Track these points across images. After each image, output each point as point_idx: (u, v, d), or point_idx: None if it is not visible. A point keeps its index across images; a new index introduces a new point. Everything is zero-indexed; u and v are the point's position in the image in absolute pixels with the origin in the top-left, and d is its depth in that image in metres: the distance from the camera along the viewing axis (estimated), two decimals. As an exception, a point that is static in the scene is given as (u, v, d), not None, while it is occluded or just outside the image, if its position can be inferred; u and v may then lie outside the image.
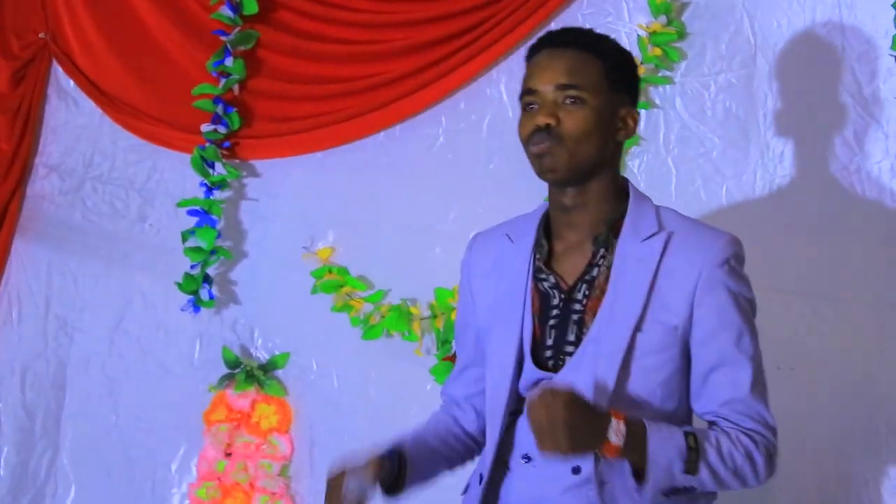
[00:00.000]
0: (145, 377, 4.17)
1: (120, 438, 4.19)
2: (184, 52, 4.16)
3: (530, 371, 2.51)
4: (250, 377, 3.97)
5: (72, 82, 4.33)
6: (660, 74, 3.56)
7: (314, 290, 3.88)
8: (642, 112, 3.57)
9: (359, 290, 3.86)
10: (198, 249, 4.01)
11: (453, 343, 2.84)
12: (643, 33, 3.56)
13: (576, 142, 2.44)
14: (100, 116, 4.30)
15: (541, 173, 2.50)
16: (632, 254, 2.47)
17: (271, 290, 4.04)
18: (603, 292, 2.47)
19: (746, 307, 2.47)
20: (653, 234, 2.48)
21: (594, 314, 2.47)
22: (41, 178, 4.36)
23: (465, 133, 3.83)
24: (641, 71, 3.54)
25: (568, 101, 2.46)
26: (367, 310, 3.83)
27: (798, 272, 3.37)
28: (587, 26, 3.55)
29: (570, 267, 2.53)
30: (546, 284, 2.53)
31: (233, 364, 4.01)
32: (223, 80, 4.04)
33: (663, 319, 2.43)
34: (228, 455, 3.97)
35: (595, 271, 2.49)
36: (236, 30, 4.03)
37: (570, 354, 2.47)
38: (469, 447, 2.75)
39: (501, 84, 3.80)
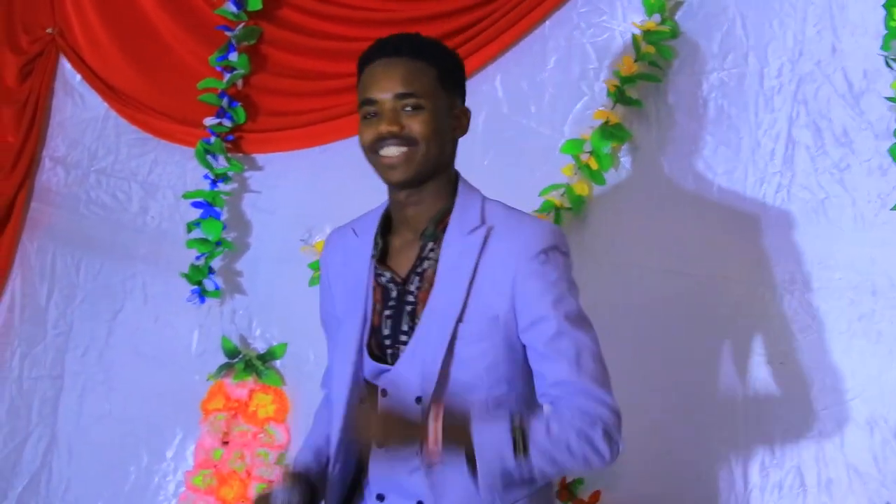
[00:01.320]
0: (143, 367, 4.18)
1: (115, 427, 4.20)
2: (188, 47, 4.19)
3: (368, 362, 2.62)
4: (249, 367, 3.99)
5: (78, 76, 4.36)
6: (653, 72, 3.56)
7: (312, 282, 3.89)
8: (635, 110, 3.59)
9: (354, 283, 3.86)
10: (203, 241, 4.03)
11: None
12: (637, 31, 3.56)
13: (426, 143, 2.55)
14: (105, 110, 4.32)
15: (391, 179, 2.60)
16: (456, 247, 2.56)
17: (270, 282, 4.06)
18: (432, 284, 2.57)
19: (568, 296, 2.52)
20: (475, 228, 2.57)
21: (425, 305, 2.57)
22: (47, 171, 4.39)
23: (461, 129, 3.83)
24: (635, 68, 3.56)
25: (408, 108, 2.56)
26: (362, 301, 3.84)
27: (788, 268, 3.38)
28: (582, 25, 3.68)
29: (404, 261, 2.63)
30: (383, 279, 2.63)
31: (232, 354, 4.03)
32: (227, 75, 4.06)
33: (483, 310, 2.51)
34: (225, 443, 3.98)
35: (425, 264, 2.59)
36: (240, 25, 4.06)
37: (404, 343, 2.57)
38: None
39: (497, 81, 3.81)
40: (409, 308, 2.59)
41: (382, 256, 2.65)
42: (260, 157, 4.11)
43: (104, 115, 4.32)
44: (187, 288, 4.06)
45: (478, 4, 3.80)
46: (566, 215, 3.60)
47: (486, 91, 3.81)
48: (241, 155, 4.10)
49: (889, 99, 3.30)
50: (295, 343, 3.99)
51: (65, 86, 4.38)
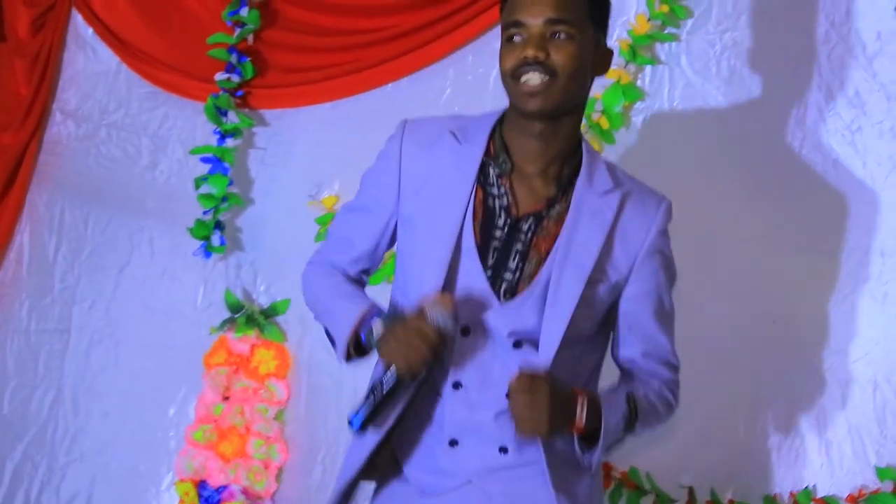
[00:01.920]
0: (149, 321, 4.14)
1: (121, 381, 4.16)
2: (200, 1, 4.15)
3: (476, 279, 2.43)
4: (251, 321, 3.95)
5: (90, 30, 4.30)
6: (666, 31, 3.52)
7: (318, 238, 3.86)
8: (648, 68, 3.54)
9: (361, 237, 3.83)
10: (210, 196, 3.99)
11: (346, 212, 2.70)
12: (653, -10, 3.53)
13: (568, 77, 2.38)
14: (117, 64, 4.28)
15: (527, 107, 2.42)
16: (588, 206, 2.44)
17: (276, 238, 4.01)
18: (551, 235, 2.44)
19: (672, 269, 2.55)
20: (610, 190, 2.46)
21: (539, 254, 2.43)
22: (58, 124, 4.34)
23: (471, 86, 3.79)
24: (648, 27, 3.52)
25: (559, 35, 2.39)
26: (368, 257, 3.80)
27: (797, 228, 3.33)
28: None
29: (523, 196, 2.46)
30: (498, 202, 2.46)
31: (235, 308, 3.99)
32: (238, 30, 4.02)
33: (609, 275, 2.45)
34: (226, 399, 3.94)
35: (548, 211, 2.45)
36: (252, -20, 4.02)
37: (506, 282, 2.42)
38: None
39: (509, 38, 3.76)
40: (519, 247, 2.44)
41: (509, 176, 2.47)
42: (268, 113, 4.06)
43: (115, 69, 4.28)
44: (193, 242, 4.02)
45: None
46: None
47: (497, 48, 3.71)
48: (249, 110, 4.06)
49: (903, 61, 3.26)
50: (298, 299, 3.90)
51: (77, 39, 4.34)
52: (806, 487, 3.29)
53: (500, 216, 2.45)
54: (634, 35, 3.53)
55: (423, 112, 3.75)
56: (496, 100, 3.67)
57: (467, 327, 2.43)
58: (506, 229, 2.44)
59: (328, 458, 3.87)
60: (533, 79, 2.38)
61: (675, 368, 2.57)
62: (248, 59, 4.03)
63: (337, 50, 3.96)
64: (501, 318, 2.42)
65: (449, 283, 2.43)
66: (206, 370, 3.97)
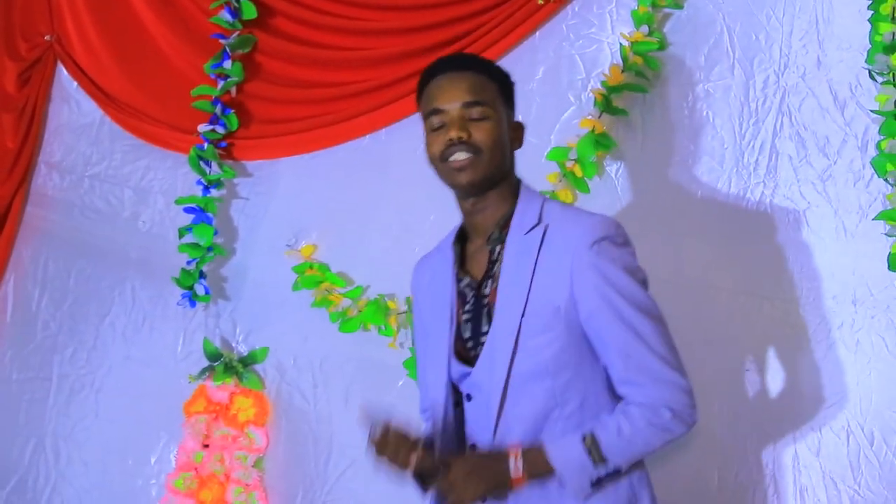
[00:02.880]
0: (129, 369, 4.13)
1: (102, 429, 4.14)
2: (183, 55, 4.16)
3: (454, 365, 2.65)
4: (229, 369, 3.92)
5: (75, 83, 4.32)
6: (639, 82, 3.51)
7: (295, 287, 3.83)
8: (622, 120, 3.53)
9: (338, 287, 3.81)
10: (194, 246, 3.98)
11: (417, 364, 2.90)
12: (626, 42, 3.51)
13: (490, 152, 2.59)
14: (100, 117, 4.28)
15: (458, 184, 2.62)
16: (517, 245, 2.60)
17: (256, 287, 4.00)
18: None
19: (624, 283, 2.53)
20: (533, 227, 2.60)
21: (492, 307, 2.61)
22: (43, 176, 4.35)
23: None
24: (622, 79, 3.51)
25: (474, 116, 2.59)
26: (345, 305, 3.78)
27: (770, 277, 3.31)
28: (571, 36, 3.65)
29: (478, 266, 2.67)
30: (462, 284, 2.68)
31: (213, 356, 3.96)
32: (221, 83, 4.02)
33: (545, 302, 2.54)
34: (206, 446, 3.90)
35: (495, 267, 2.63)
36: (235, 34, 4.02)
37: (482, 344, 2.62)
38: None
39: (486, 90, 3.75)
40: (485, 310, 2.62)
41: (461, 264, 2.70)
42: (249, 164, 4.06)
43: (99, 122, 4.28)
44: (175, 292, 4.01)
45: (470, 16, 3.76)
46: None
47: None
48: (233, 161, 4.05)
49: (873, 111, 3.25)
50: (277, 347, 3.93)
51: (62, 92, 4.35)
52: (781, 534, 3.27)
53: (467, 294, 2.67)
54: (608, 85, 3.52)
55: (400, 163, 3.81)
56: (473, 149, 3.71)
57: (469, 394, 2.64)
58: (472, 301, 2.65)
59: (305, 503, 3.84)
60: (459, 156, 2.58)
61: (667, 383, 2.51)
62: (232, 110, 4.03)
63: (318, 102, 3.97)
64: (481, 380, 2.60)
65: (449, 380, 2.68)
66: (187, 418, 3.93)
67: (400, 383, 3.71)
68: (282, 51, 4.04)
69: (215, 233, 3.98)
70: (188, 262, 3.98)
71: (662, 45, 3.51)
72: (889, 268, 3.18)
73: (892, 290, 3.19)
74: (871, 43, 3.26)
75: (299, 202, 3.96)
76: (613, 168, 3.54)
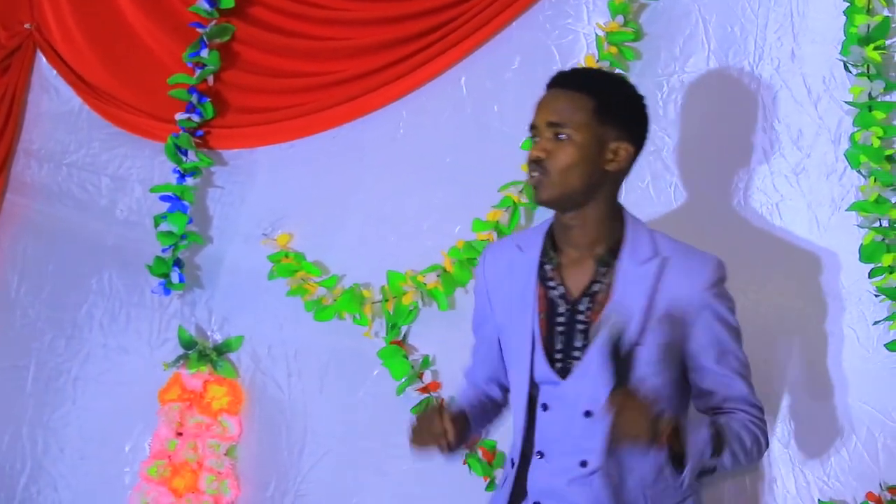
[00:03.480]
0: (106, 357, 4.09)
1: (79, 416, 4.10)
2: (161, 43, 4.11)
3: (542, 366, 2.70)
4: (203, 357, 3.89)
5: (54, 71, 4.28)
6: (615, 73, 3.48)
7: (271, 276, 3.81)
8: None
9: (313, 276, 3.79)
10: (169, 234, 3.94)
11: (473, 338, 2.98)
12: (601, 32, 3.49)
13: (561, 174, 2.64)
14: (79, 105, 4.24)
15: (533, 198, 2.72)
16: (631, 275, 2.66)
17: (231, 275, 3.97)
18: (603, 307, 2.66)
19: (729, 322, 2.71)
20: (650, 259, 2.67)
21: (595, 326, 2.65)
22: (21, 164, 4.31)
23: (425, 127, 3.76)
24: (596, 68, 3.48)
25: (558, 136, 2.66)
26: (320, 293, 3.76)
27: (742, 270, 3.29)
28: (547, 27, 3.62)
29: (573, 280, 2.71)
30: (554, 293, 2.72)
31: (187, 344, 3.93)
32: (198, 71, 3.99)
33: (658, 336, 2.63)
34: (180, 434, 3.87)
35: (597, 287, 2.68)
36: (213, 22, 3.98)
37: (577, 359, 2.67)
38: (498, 411, 3.02)
39: (462, 81, 3.72)
40: (580, 327, 2.68)
41: (557, 269, 2.73)
42: (226, 153, 4.03)
43: (78, 110, 4.24)
44: (152, 280, 3.97)
45: (447, 6, 3.72)
46: (523, 211, 3.55)
47: (450, 91, 3.73)
48: (208, 150, 4.02)
49: (847, 103, 3.24)
50: (252, 336, 3.90)
51: (41, 80, 4.30)
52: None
53: (559, 304, 2.71)
54: (584, 76, 3.49)
55: (377, 152, 3.79)
56: (448, 140, 3.70)
57: (545, 404, 2.70)
58: (566, 314, 2.70)
59: (277, 493, 3.82)
60: (533, 175, 2.68)
61: (758, 408, 2.71)
62: (209, 99, 4.00)
63: (295, 91, 3.93)
64: (568, 392, 2.67)
65: (532, 383, 2.73)
66: (161, 406, 3.90)
67: (375, 373, 3.70)
68: (259, 40, 4.00)
69: (189, 221, 3.94)
70: (163, 250, 3.95)
71: (638, 36, 3.50)
72: (860, 259, 3.18)
73: (863, 282, 3.18)
74: (846, 34, 3.25)
75: (275, 191, 3.92)
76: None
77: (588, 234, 2.70)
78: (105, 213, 4.15)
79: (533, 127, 2.72)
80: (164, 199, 3.97)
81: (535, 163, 2.66)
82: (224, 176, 4.02)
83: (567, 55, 3.60)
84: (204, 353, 3.90)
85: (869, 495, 3.12)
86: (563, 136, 2.65)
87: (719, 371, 2.68)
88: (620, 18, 3.49)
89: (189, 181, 3.99)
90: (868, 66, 3.22)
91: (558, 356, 2.70)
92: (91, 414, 4.09)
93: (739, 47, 3.40)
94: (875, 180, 3.18)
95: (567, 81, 2.74)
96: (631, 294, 2.64)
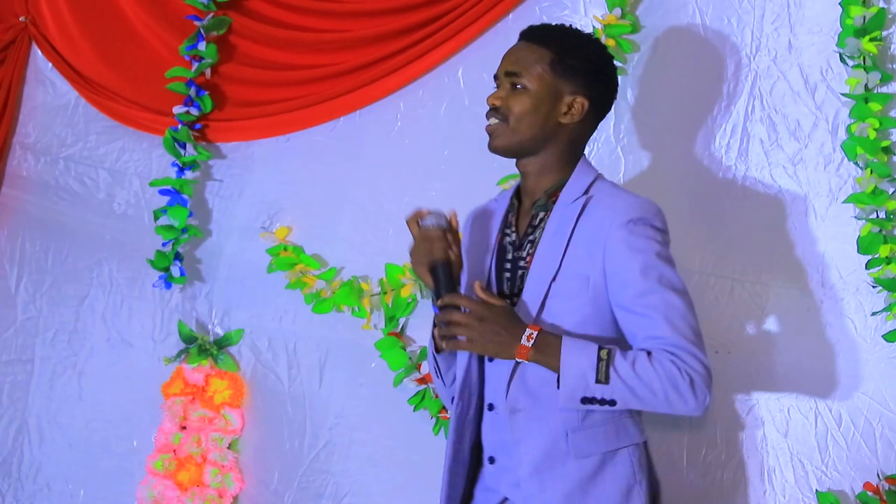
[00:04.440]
0: (110, 351, 4.10)
1: (84, 410, 4.12)
2: (158, 36, 4.11)
3: None
4: (203, 351, 3.90)
5: (50, 64, 4.27)
6: (584, 31, 3.47)
7: (270, 269, 3.81)
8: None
9: (312, 268, 3.80)
10: (169, 227, 3.95)
11: None
12: (598, 25, 3.49)
13: (514, 122, 2.74)
14: (75, 98, 4.24)
15: (489, 146, 2.78)
16: (560, 216, 2.71)
17: (231, 269, 3.97)
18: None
19: (652, 261, 2.60)
20: (577, 198, 2.71)
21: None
22: (17, 157, 4.30)
23: (422, 119, 3.76)
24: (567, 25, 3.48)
25: (515, 86, 2.75)
26: (319, 286, 3.77)
27: (740, 260, 3.30)
28: (544, 19, 3.60)
29: (522, 227, 2.80)
30: (508, 239, 2.80)
31: (188, 338, 3.94)
32: (196, 64, 3.98)
33: (575, 271, 2.64)
34: (184, 428, 3.88)
35: (536, 232, 2.74)
36: (210, 15, 3.97)
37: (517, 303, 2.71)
38: None
39: (459, 73, 3.73)
40: (520, 272, 2.73)
41: (517, 216, 2.82)
42: (224, 146, 4.03)
43: (74, 103, 4.24)
44: (152, 273, 3.98)
45: (443, -1, 3.73)
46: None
47: (447, 83, 3.73)
48: (206, 143, 4.01)
49: (844, 95, 3.24)
50: (252, 329, 3.91)
51: (37, 74, 4.30)
52: (750, 514, 3.28)
53: (508, 252, 2.79)
54: (581, 69, 3.50)
55: (375, 144, 3.79)
56: (445, 134, 3.70)
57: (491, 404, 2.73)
58: (511, 258, 2.77)
59: (281, 486, 3.83)
60: (490, 122, 2.78)
61: (688, 353, 2.54)
62: (207, 92, 4.00)
63: (292, 84, 3.93)
64: None
65: None
66: (165, 400, 3.91)
67: (373, 364, 3.71)
68: (256, 33, 3.99)
69: (190, 214, 3.95)
70: (163, 244, 3.96)
71: (635, 28, 3.50)
72: (858, 251, 3.18)
73: (860, 273, 3.19)
74: (842, 26, 3.25)
75: (274, 184, 3.93)
76: (588, 151, 3.51)
77: (541, 182, 2.77)
78: (103, 207, 4.16)
79: (495, 77, 2.81)
80: (163, 192, 3.97)
81: (491, 110, 2.75)
82: (222, 169, 4.03)
83: (564, 47, 3.59)
84: (204, 347, 3.90)
85: (867, 485, 3.13)
86: (519, 86, 2.74)
87: (636, 310, 2.58)
88: (618, 11, 3.49)
89: (188, 174, 3.99)
90: (864, 58, 3.23)
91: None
92: (98, 408, 4.11)
93: (737, 38, 3.40)
94: (871, 172, 3.18)
95: (531, 35, 2.82)
96: (556, 232, 2.68)
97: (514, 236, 2.79)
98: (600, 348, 2.54)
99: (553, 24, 2.86)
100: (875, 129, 3.19)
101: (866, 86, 3.22)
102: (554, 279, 2.64)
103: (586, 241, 2.64)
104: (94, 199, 4.17)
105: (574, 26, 2.87)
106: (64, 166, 4.22)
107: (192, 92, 3.98)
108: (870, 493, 3.12)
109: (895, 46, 3.26)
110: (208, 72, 4.01)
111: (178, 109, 3.97)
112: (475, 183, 3.57)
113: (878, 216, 3.18)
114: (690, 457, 3.29)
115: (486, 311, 2.60)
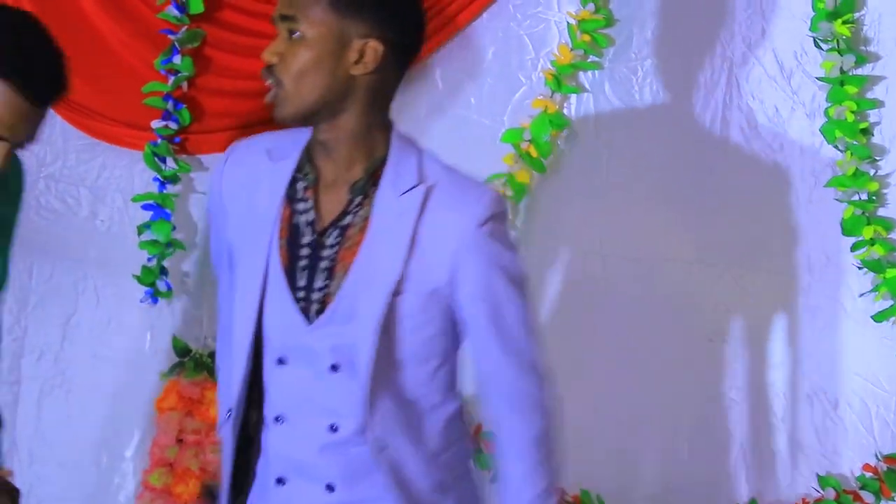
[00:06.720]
0: (99, 369, 4.07)
1: (75, 429, 4.09)
2: (132, 51, 4.07)
3: (280, 304, 2.26)
4: (199, 365, 3.90)
5: (24, 83, 4.25)
6: (589, 60, 3.51)
7: (259, 279, 3.81)
8: (573, 96, 3.53)
9: (300, 276, 3.80)
10: (154, 242, 3.94)
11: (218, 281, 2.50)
12: (573, 21, 3.52)
13: (294, 83, 2.21)
14: (52, 116, 4.19)
15: (273, 119, 2.30)
16: (390, 208, 2.22)
17: (217, 280, 3.96)
18: (357, 244, 2.24)
19: (510, 272, 2.26)
20: (413, 188, 2.22)
21: (345, 267, 2.23)
22: (-4, 178, 4.28)
23: (401, 123, 3.66)
24: (571, 57, 3.50)
25: (292, 34, 2.20)
26: (307, 296, 3.77)
27: (725, 248, 3.33)
28: (518, 16, 3.63)
29: (327, 206, 2.27)
30: (302, 217, 2.27)
31: (182, 352, 3.94)
32: (172, 78, 3.97)
33: (423, 282, 2.23)
34: (180, 441, 3.89)
35: (349, 219, 2.25)
36: (183, 28, 3.96)
37: (316, 302, 2.24)
38: None
39: (437, 74, 3.73)
40: (324, 264, 2.25)
41: (315, 189, 2.28)
42: (205, 158, 4.02)
43: (51, 121, 4.19)
44: (138, 289, 3.96)
45: (417, -1, 3.72)
46: (508, 203, 3.54)
47: (425, 84, 3.74)
48: (187, 156, 4.01)
49: (819, 79, 3.27)
50: (245, 340, 3.90)
51: (12, 93, 4.27)
52: (752, 499, 3.30)
53: (304, 234, 2.27)
54: (558, 65, 3.53)
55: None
56: (426, 135, 3.66)
57: (282, 357, 2.26)
58: (311, 245, 2.26)
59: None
60: (268, 93, 2.28)
61: (531, 368, 2.27)
62: (184, 105, 3.99)
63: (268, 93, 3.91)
64: (313, 341, 2.23)
65: (261, 312, 2.27)
66: (159, 414, 3.91)
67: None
68: (231, 43, 3.98)
69: (173, 228, 3.94)
70: (149, 259, 3.95)
71: (609, 22, 3.53)
72: (843, 232, 3.22)
73: (847, 254, 3.23)
74: (814, 10, 3.29)
75: (257, 194, 3.92)
76: (569, 147, 3.55)
77: (344, 151, 2.24)
78: (86, 225, 4.13)
79: (272, 20, 2.29)
80: (146, 207, 3.96)
81: (265, 69, 2.24)
82: (204, 181, 4.01)
83: (540, 44, 3.63)
84: (200, 360, 3.90)
85: (865, 467, 3.17)
86: (296, 35, 2.18)
87: (487, 338, 2.24)
88: (591, 6, 3.51)
89: (170, 188, 3.98)
90: (838, 41, 3.27)
91: (300, 294, 2.25)
92: (88, 426, 4.07)
93: (711, 27, 3.44)
94: (851, 154, 3.23)
95: None
96: (389, 232, 2.21)
97: (312, 215, 2.26)
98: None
99: None
100: (853, 112, 3.24)
101: (841, 69, 3.27)
102: (398, 292, 2.21)
103: (434, 247, 2.21)
104: (77, 217, 4.15)
105: None
106: (45, 186, 4.19)
107: (170, 106, 3.96)
108: (868, 475, 3.16)
109: (868, 28, 3.30)
110: (185, 85, 3.99)
111: (156, 124, 3.95)
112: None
113: (860, 198, 3.22)
114: (692, 447, 3.32)
115: None
